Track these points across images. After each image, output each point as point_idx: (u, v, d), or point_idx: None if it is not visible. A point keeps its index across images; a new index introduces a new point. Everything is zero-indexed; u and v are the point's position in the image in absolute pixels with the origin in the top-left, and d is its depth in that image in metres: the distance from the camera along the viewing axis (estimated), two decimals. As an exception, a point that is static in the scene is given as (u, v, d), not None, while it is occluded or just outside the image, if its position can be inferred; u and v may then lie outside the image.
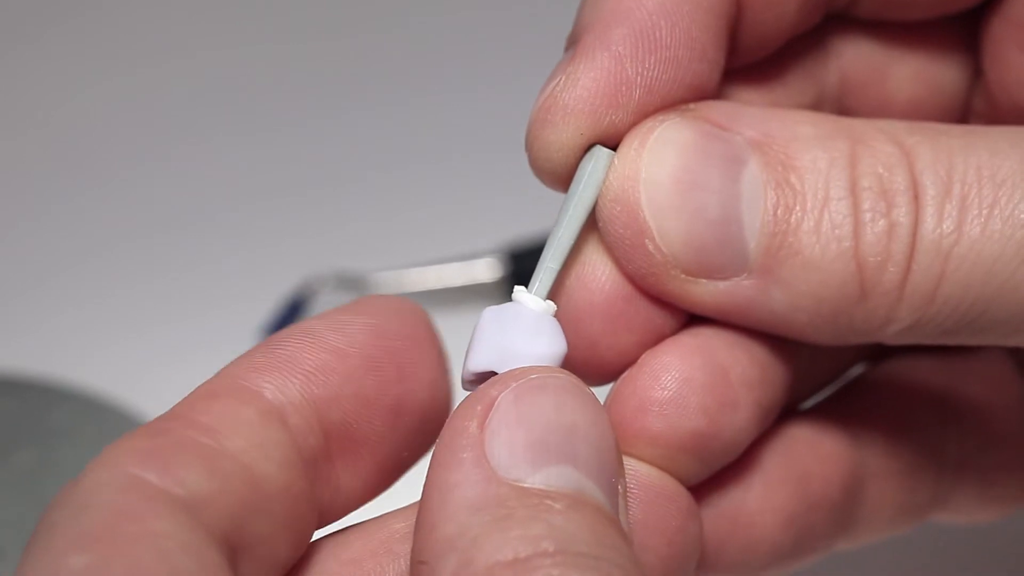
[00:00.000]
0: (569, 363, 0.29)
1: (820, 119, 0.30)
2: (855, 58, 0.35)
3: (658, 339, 0.31)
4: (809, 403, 0.36)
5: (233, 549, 0.25)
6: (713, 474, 0.31)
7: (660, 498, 0.30)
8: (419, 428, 0.30)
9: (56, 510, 0.24)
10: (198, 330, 0.58)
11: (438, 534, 0.25)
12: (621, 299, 0.30)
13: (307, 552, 0.28)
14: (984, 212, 0.28)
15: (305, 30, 0.73)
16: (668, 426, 0.30)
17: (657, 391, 0.30)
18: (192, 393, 0.27)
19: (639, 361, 0.30)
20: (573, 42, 0.30)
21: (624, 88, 0.29)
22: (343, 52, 0.72)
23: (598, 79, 0.29)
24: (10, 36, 0.73)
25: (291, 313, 0.58)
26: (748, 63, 0.33)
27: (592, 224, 0.30)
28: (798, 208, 0.29)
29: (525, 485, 0.25)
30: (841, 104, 0.35)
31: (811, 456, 0.34)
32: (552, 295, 0.30)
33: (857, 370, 0.37)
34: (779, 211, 0.29)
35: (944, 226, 0.28)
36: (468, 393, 0.27)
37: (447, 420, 0.27)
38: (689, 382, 0.30)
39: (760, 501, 0.33)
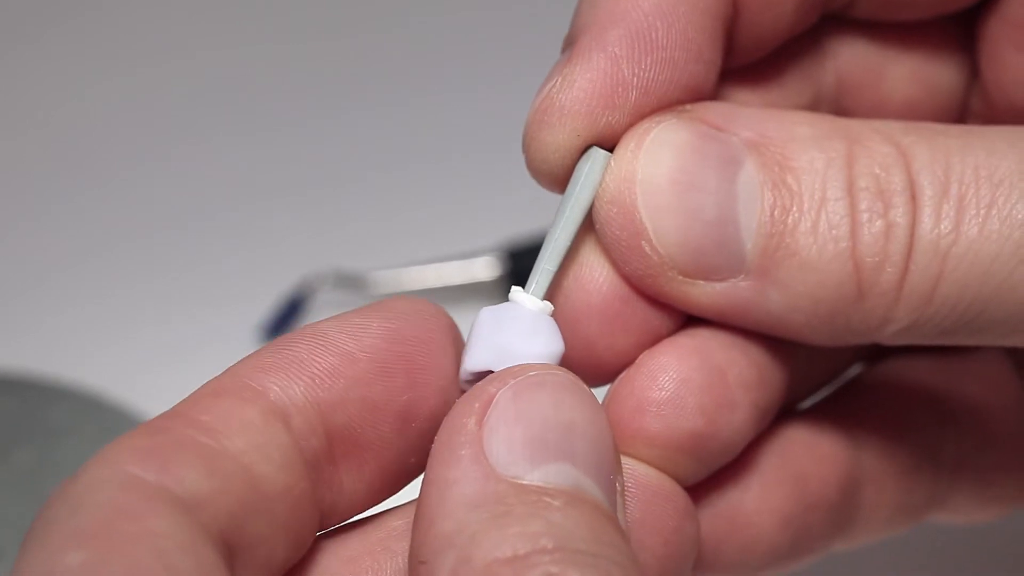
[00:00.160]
0: (567, 364, 0.29)
1: (817, 119, 0.30)
2: (852, 58, 0.34)
3: (655, 340, 0.31)
4: (807, 404, 0.36)
5: (231, 549, 0.25)
6: (710, 474, 0.31)
7: (657, 498, 0.30)
8: (428, 434, 0.29)
9: (53, 507, 0.24)
10: (197, 329, 0.58)
11: (436, 531, 0.25)
12: (618, 300, 0.30)
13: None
14: (982, 212, 0.28)
15: (305, 30, 0.73)
16: (666, 426, 0.30)
17: (655, 392, 0.30)
18: (197, 391, 0.27)
19: (637, 362, 0.30)
20: (569, 43, 0.30)
21: (620, 89, 0.29)
22: (343, 52, 0.72)
23: (594, 80, 0.29)
24: (10, 36, 0.73)
25: (290, 312, 0.58)
26: (745, 64, 0.33)
27: (589, 225, 0.30)
28: (795, 209, 0.29)
29: (523, 482, 0.25)
30: (838, 104, 0.35)
31: (808, 456, 0.34)
32: (550, 296, 0.30)
33: (854, 371, 0.37)
34: (776, 212, 0.29)
35: (942, 226, 0.28)
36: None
37: (445, 417, 0.27)
38: (687, 383, 0.30)
39: (757, 501, 0.33)
